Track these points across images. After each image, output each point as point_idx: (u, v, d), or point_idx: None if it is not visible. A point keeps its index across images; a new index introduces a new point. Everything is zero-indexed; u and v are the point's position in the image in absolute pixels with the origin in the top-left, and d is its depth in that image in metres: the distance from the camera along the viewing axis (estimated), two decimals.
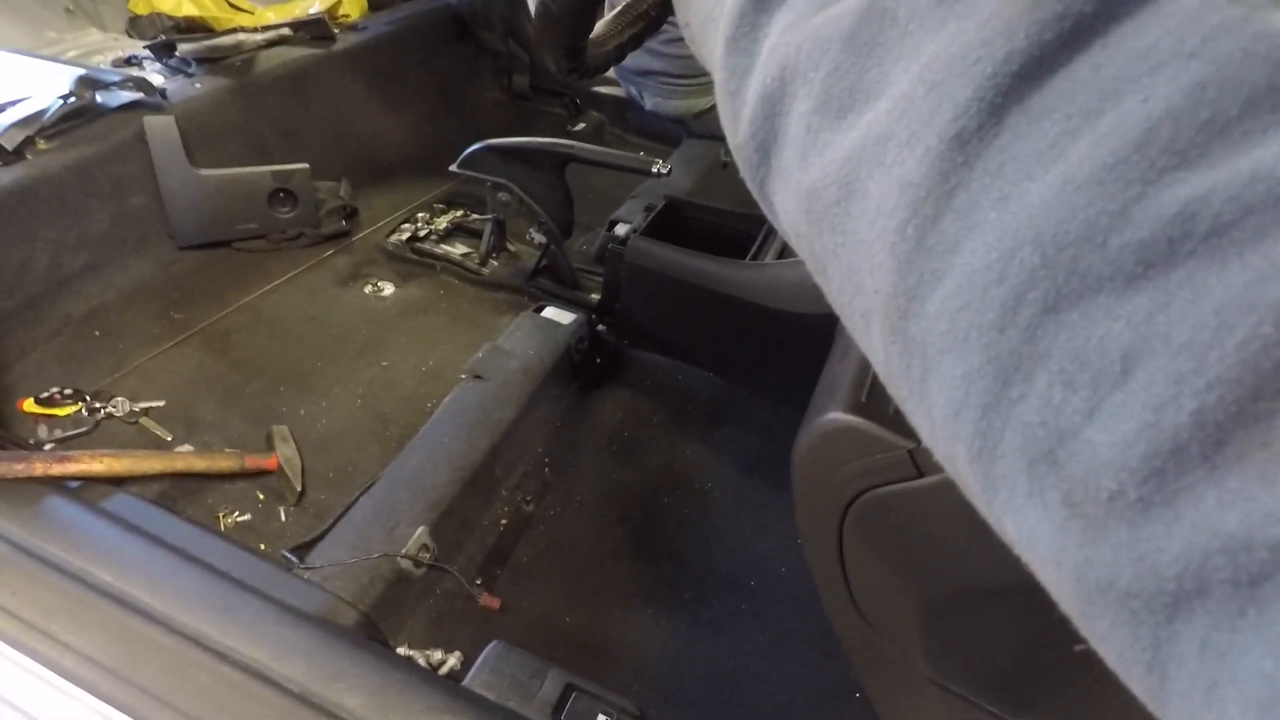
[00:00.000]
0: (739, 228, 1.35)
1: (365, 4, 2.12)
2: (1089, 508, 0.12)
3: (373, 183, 1.76)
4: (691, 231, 1.35)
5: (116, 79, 1.38)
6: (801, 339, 1.15)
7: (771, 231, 1.33)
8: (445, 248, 1.57)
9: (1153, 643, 0.12)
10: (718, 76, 0.23)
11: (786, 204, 0.21)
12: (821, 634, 1.01)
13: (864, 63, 0.17)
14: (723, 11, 0.22)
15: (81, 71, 1.37)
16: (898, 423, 0.48)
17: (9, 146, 1.21)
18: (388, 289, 1.49)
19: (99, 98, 1.35)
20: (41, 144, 1.26)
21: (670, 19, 0.63)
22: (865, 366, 0.54)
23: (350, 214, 1.64)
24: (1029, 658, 0.45)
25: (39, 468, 0.90)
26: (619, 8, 0.69)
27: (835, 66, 0.18)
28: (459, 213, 1.66)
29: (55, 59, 1.53)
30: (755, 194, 0.23)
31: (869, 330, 0.18)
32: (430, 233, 1.61)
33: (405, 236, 1.59)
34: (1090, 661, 0.15)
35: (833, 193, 0.18)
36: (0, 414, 1.11)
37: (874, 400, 0.50)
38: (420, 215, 1.66)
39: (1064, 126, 0.14)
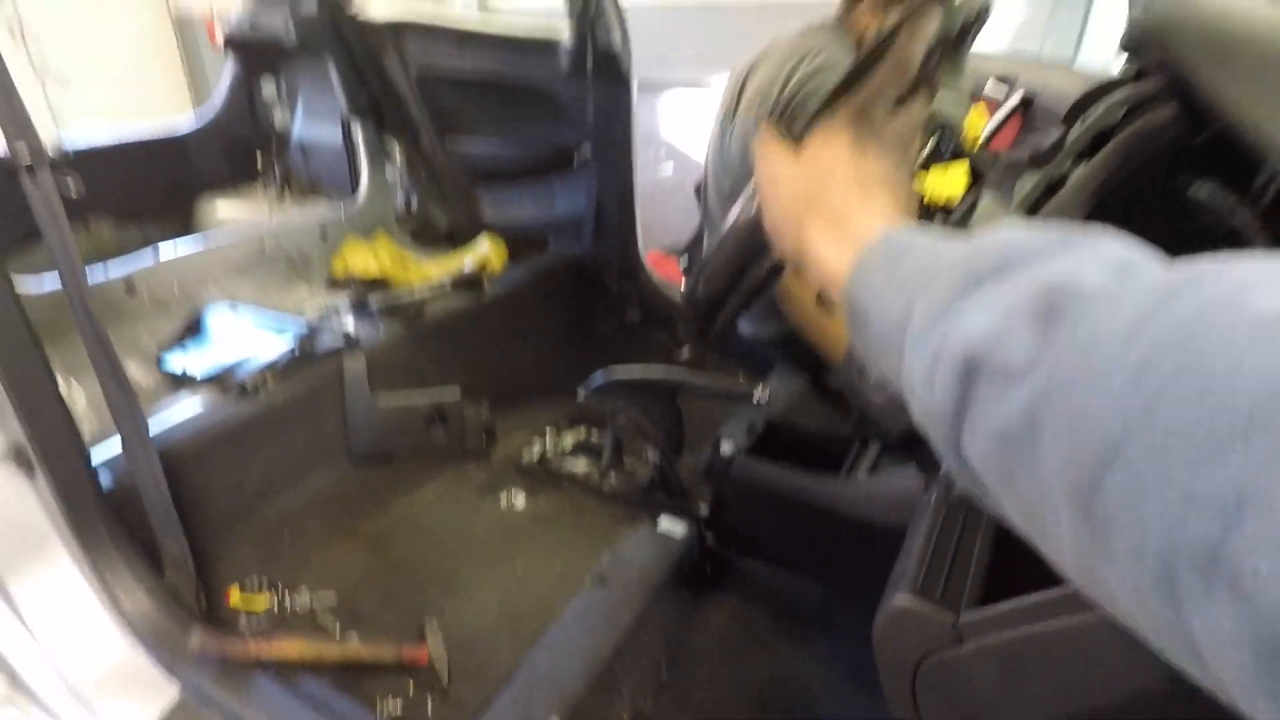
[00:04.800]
0: (831, 446, 1.51)
1: (506, 256, 2.59)
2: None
3: (508, 405, 2.05)
4: (789, 449, 1.52)
5: (329, 329, 1.76)
6: (892, 550, 1.25)
7: (863, 449, 1.48)
8: (569, 464, 1.80)
9: None
10: (909, 364, 0.35)
11: (976, 449, 0.31)
12: None
13: (1041, 341, 0.28)
14: (904, 336, 0.35)
15: (303, 324, 1.76)
16: (946, 600, 0.62)
17: (248, 387, 1.56)
18: (520, 500, 1.71)
19: (313, 344, 1.72)
20: (271, 383, 1.61)
21: None
22: (922, 557, 0.68)
23: (489, 433, 1.91)
24: None
25: (251, 650, 1.09)
26: (741, 292, 0.92)
27: (1013, 350, 0.29)
28: (582, 432, 1.90)
29: (279, 313, 1.96)
30: (948, 448, 0.33)
31: (1059, 520, 0.26)
32: (557, 450, 1.85)
33: (535, 453, 1.84)
34: None
35: (1021, 437, 0.27)
36: (212, 602, 1.33)
37: (928, 583, 0.64)
38: (548, 434, 1.91)
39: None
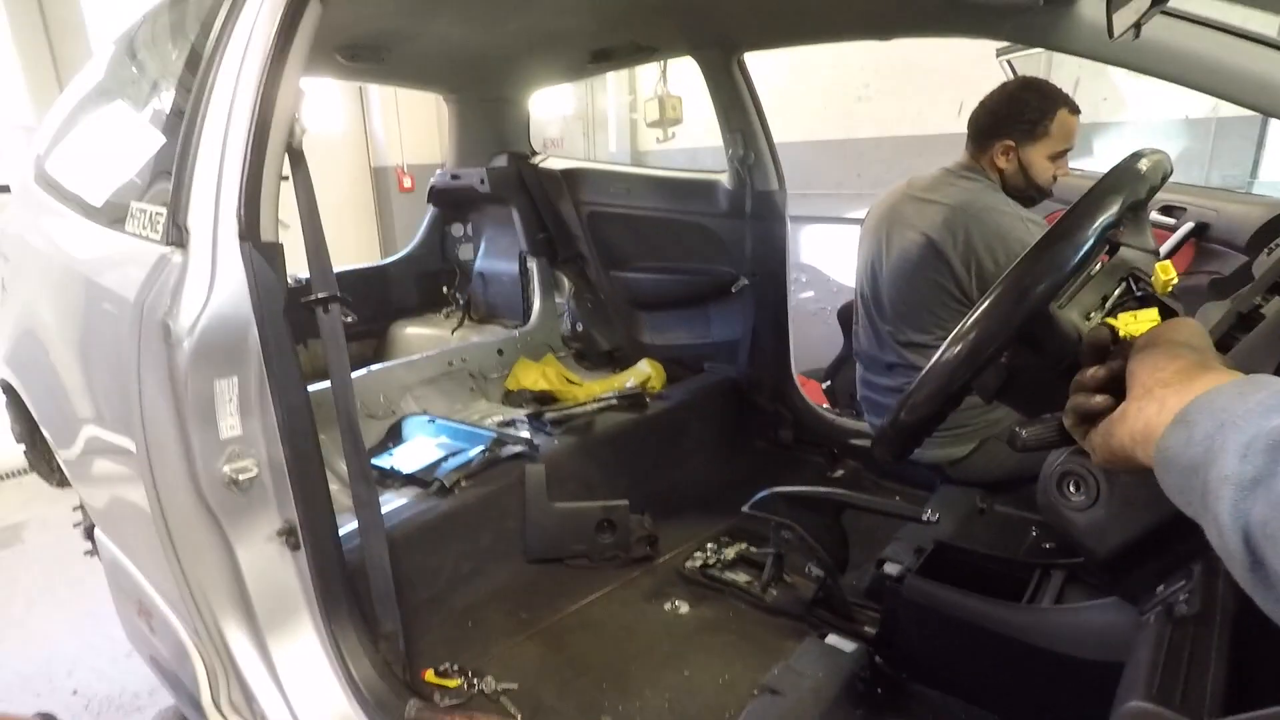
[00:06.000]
0: (1008, 572, 1.47)
1: (665, 378, 2.75)
2: None
3: (669, 516, 2.13)
4: (961, 573, 1.49)
5: (517, 439, 1.95)
6: (1083, 685, 1.19)
7: (1046, 576, 1.43)
8: (730, 575, 1.84)
9: None
10: (1226, 440, 0.42)
11: (1263, 511, 0.38)
12: None
13: None
14: (1228, 431, 0.43)
15: (493, 434, 1.96)
16: (1186, 708, 0.61)
17: (447, 485, 1.75)
18: (684, 607, 1.75)
19: (500, 450, 1.91)
20: (464, 483, 1.80)
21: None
22: (1153, 667, 0.68)
23: (653, 542, 1.99)
24: None
25: None
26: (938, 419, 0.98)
27: None
28: (742, 545, 1.95)
29: (467, 423, 2.19)
30: (1229, 511, 0.40)
31: None
32: (718, 561, 1.89)
33: (697, 563, 1.89)
34: None
35: None
36: (413, 678, 1.46)
37: (1164, 691, 0.63)
38: (709, 545, 1.97)
39: None
